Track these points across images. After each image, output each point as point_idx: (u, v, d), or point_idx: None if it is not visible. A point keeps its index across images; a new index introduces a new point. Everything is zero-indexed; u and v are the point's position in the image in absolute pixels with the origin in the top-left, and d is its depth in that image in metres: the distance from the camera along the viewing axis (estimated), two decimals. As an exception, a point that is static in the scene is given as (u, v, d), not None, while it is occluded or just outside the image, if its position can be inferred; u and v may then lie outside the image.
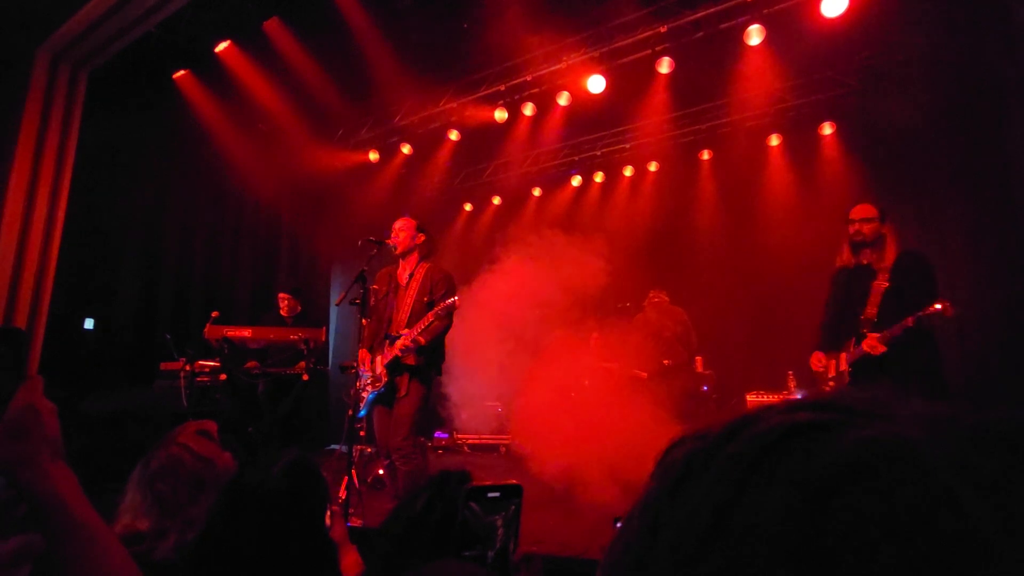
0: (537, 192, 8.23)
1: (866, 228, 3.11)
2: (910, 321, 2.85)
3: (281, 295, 5.22)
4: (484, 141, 7.03)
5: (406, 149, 7.22)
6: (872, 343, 2.98)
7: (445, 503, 1.10)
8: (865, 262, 3.15)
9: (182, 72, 5.55)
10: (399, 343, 3.43)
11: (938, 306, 2.80)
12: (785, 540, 0.23)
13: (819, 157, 6.27)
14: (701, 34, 5.06)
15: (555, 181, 8.05)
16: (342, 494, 3.37)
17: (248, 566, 1.05)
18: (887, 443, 0.24)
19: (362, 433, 4.56)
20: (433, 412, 6.27)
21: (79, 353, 5.07)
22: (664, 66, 5.45)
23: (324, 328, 5.03)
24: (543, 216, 7.89)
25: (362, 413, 3.69)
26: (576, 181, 7.90)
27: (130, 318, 5.58)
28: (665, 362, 5.72)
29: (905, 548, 0.21)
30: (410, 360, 3.44)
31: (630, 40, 5.27)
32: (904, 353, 2.91)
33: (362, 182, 7.42)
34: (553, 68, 5.68)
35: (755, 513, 0.24)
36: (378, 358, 3.58)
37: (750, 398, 5.18)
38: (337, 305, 3.92)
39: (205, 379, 4.43)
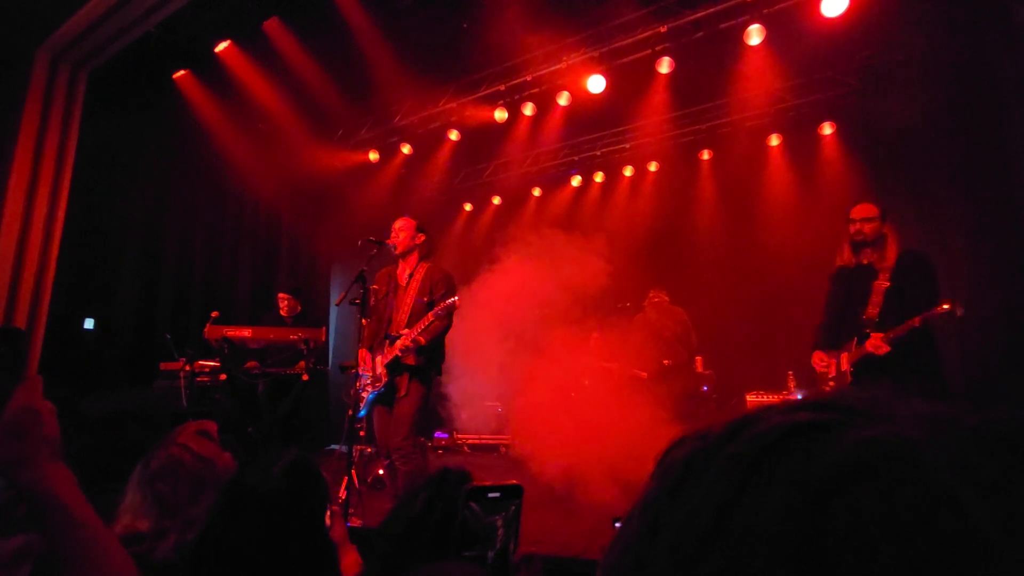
0: (537, 192, 8.23)
1: (867, 227, 3.10)
2: (917, 321, 2.83)
3: (281, 295, 5.21)
4: (484, 141, 7.03)
5: (406, 149, 7.22)
6: (876, 343, 2.95)
7: (445, 503, 1.10)
8: (866, 262, 3.14)
9: (182, 72, 5.55)
10: (399, 343, 3.43)
11: (946, 306, 2.78)
12: (785, 540, 0.23)
13: (819, 157, 6.27)
14: (701, 34, 5.06)
15: (555, 181, 8.05)
16: (342, 494, 3.37)
17: (248, 566, 1.05)
18: (887, 443, 0.24)
19: (362, 433, 4.56)
20: (433, 412, 6.27)
21: (79, 353, 5.07)
22: (664, 66, 5.45)
23: (324, 328, 5.03)
24: (543, 216, 7.89)
25: (362, 413, 3.69)
26: (576, 181, 7.90)
27: (130, 318, 5.58)
28: (665, 362, 5.72)
29: (905, 548, 0.21)
30: (410, 360, 3.44)
31: (630, 40, 5.27)
32: (907, 353, 2.90)
33: (362, 182, 7.42)
34: (553, 68, 5.68)
35: (755, 513, 0.24)
36: (378, 358, 3.58)
37: (750, 398, 5.18)
38: (337, 305, 3.92)
39: (205, 379, 4.43)
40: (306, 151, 6.68)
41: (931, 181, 5.40)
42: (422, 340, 3.39)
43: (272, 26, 5.12)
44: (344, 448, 3.77)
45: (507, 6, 4.82)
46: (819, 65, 5.58)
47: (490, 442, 6.69)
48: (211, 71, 5.43)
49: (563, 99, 6.03)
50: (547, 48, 5.56)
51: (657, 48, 5.29)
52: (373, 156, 7.26)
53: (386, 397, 3.52)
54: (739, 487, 0.25)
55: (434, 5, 5.03)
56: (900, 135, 5.47)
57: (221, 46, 5.26)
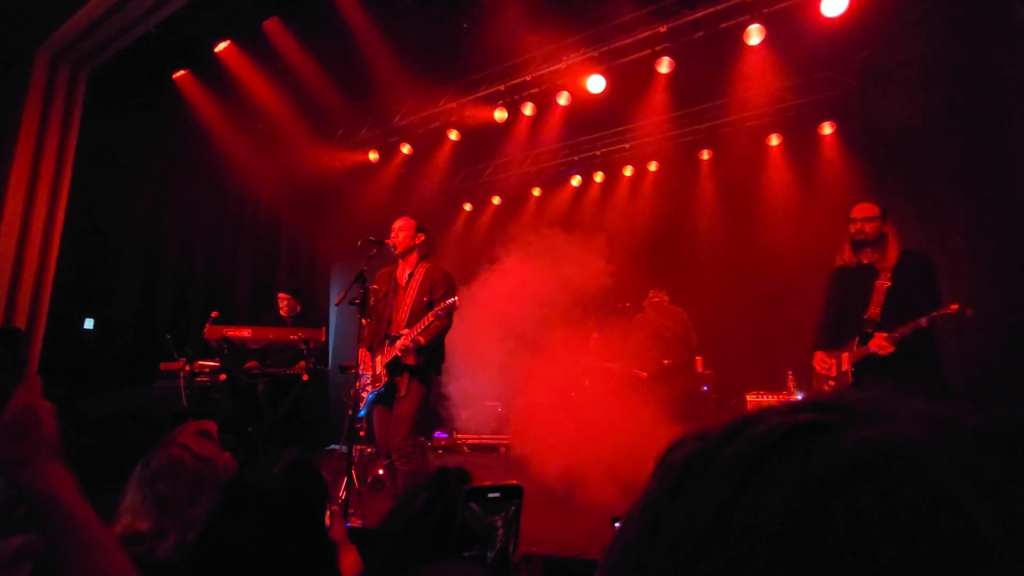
0: (537, 192, 8.24)
1: (868, 227, 3.09)
2: (924, 322, 2.81)
3: (281, 295, 5.22)
4: (484, 141, 7.03)
5: (406, 149, 7.23)
6: (880, 343, 2.93)
7: (445, 503, 1.10)
8: (866, 261, 3.13)
9: (182, 72, 5.55)
10: (399, 343, 3.43)
11: (955, 307, 2.76)
12: (785, 540, 0.23)
13: (819, 157, 6.27)
14: (701, 34, 5.06)
15: (555, 181, 8.05)
16: (342, 494, 3.37)
17: (248, 566, 1.05)
18: (887, 443, 0.24)
19: (362, 433, 4.56)
20: (433, 412, 6.27)
21: (79, 353, 5.07)
22: (664, 66, 5.45)
23: (324, 328, 5.03)
24: (543, 216, 7.89)
25: (362, 413, 3.69)
26: (576, 181, 7.90)
27: (130, 318, 5.58)
28: (665, 362, 5.72)
29: (905, 548, 0.21)
30: (410, 360, 3.44)
31: (630, 40, 5.27)
32: (908, 353, 2.89)
33: (362, 182, 7.42)
34: (553, 68, 5.68)
35: (755, 513, 0.24)
36: (378, 358, 3.58)
37: (750, 398, 5.18)
38: (337, 305, 3.92)
39: (205, 379, 4.43)
40: (306, 151, 6.68)
41: (931, 181, 5.40)
42: (422, 340, 3.39)
43: (272, 26, 5.12)
44: (344, 448, 3.77)
45: (507, 6, 4.82)
46: (819, 65, 5.58)
47: (490, 442, 6.69)
48: (211, 71, 5.43)
49: (563, 99, 6.03)
50: (547, 48, 5.56)
51: (657, 48, 5.29)
52: (373, 156, 7.26)
53: (386, 397, 3.52)
54: (739, 487, 0.25)
55: (434, 5, 5.03)
56: (900, 135, 5.47)
57: (221, 46, 5.26)
